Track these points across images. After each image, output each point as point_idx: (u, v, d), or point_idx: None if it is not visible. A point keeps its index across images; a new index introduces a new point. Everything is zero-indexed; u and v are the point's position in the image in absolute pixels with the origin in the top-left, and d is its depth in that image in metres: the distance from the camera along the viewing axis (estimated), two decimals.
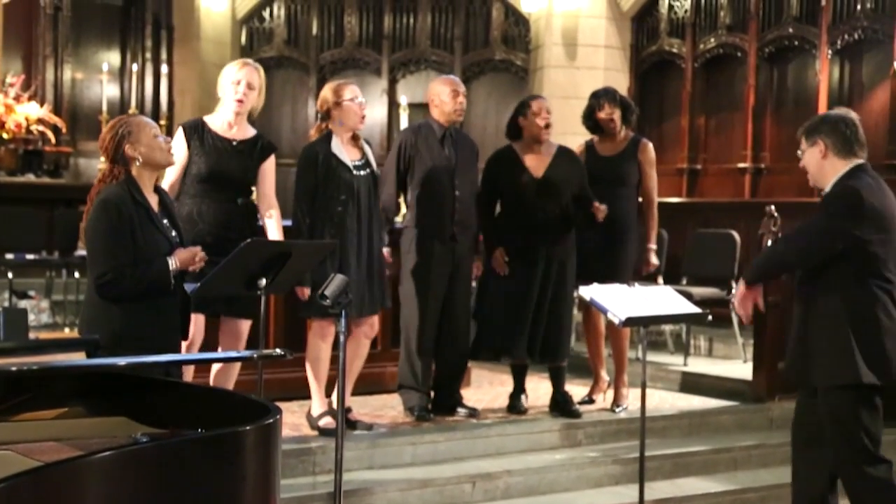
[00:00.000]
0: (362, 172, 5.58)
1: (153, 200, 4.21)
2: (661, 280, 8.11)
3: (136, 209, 4.10)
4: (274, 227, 5.29)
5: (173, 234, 4.25)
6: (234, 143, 5.20)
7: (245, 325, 5.20)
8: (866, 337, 4.32)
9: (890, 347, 4.35)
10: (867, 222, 4.29)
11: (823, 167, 4.41)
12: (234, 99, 5.17)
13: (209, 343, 5.18)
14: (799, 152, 4.52)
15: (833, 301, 4.35)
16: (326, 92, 5.64)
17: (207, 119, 5.26)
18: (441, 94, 6.05)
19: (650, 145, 6.58)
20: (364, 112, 5.63)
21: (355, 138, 5.66)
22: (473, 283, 6.29)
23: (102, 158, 4.25)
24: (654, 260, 6.56)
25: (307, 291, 5.34)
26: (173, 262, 4.14)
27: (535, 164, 6.20)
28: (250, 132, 5.29)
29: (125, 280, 4.04)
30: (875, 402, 4.40)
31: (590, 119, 6.56)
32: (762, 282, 4.67)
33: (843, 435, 4.39)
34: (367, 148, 5.69)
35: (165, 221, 4.24)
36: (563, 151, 6.32)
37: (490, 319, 6.18)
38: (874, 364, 4.33)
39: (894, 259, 4.37)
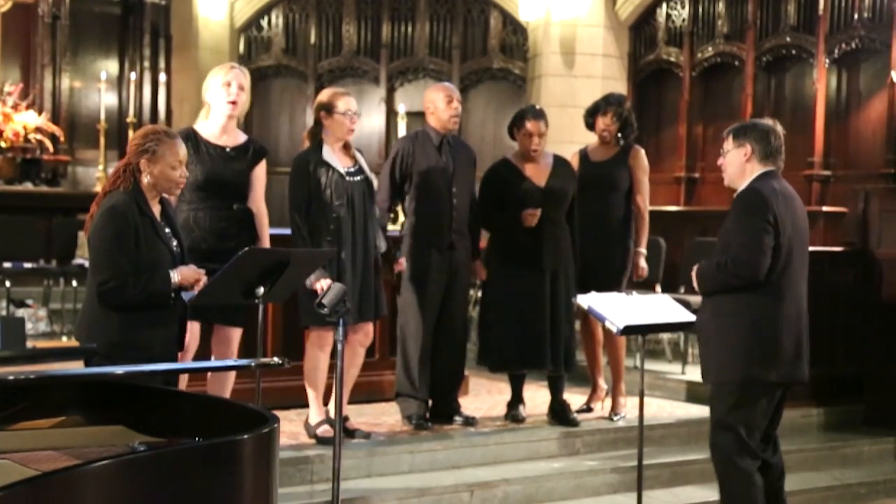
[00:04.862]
0: (356, 178, 5.58)
1: (157, 210, 4.26)
2: (658, 288, 8.11)
3: (142, 219, 4.15)
4: (261, 232, 5.28)
5: (174, 243, 4.29)
6: (228, 149, 5.21)
7: (236, 333, 5.20)
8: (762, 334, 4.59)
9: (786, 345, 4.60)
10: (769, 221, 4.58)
11: (744, 169, 4.75)
12: (226, 101, 5.17)
13: (203, 351, 5.18)
14: (723, 150, 4.85)
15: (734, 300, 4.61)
16: (323, 97, 5.65)
17: (198, 127, 5.25)
18: (436, 101, 6.06)
19: (642, 152, 6.57)
20: (354, 126, 5.62)
21: (346, 146, 5.66)
22: (471, 291, 6.27)
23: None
24: (642, 264, 6.50)
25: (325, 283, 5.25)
26: (175, 276, 4.17)
27: (536, 173, 6.20)
28: (241, 137, 5.30)
29: (128, 288, 4.07)
30: (760, 396, 4.63)
31: (591, 117, 6.55)
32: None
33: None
34: (358, 155, 5.69)
35: (168, 231, 4.28)
36: (559, 160, 6.32)
37: (498, 330, 6.16)
38: (767, 360, 4.58)
39: (784, 265, 4.60)
